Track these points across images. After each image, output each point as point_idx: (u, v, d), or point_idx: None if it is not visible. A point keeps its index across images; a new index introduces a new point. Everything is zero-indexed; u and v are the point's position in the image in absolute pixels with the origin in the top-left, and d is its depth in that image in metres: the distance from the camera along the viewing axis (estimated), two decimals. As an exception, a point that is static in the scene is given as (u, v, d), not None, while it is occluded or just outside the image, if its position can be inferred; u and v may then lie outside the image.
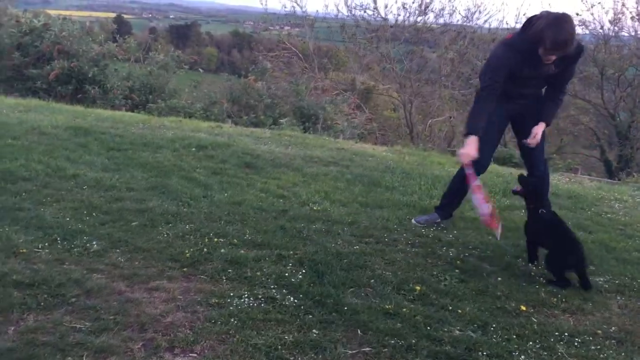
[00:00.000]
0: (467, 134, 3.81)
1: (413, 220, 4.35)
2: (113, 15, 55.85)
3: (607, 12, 16.22)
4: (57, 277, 2.84)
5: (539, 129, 3.89)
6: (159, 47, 16.72)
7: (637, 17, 15.98)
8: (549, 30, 3.40)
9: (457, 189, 4.31)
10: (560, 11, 3.50)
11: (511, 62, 3.67)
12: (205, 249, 3.38)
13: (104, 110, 9.67)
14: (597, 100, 18.18)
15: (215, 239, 3.56)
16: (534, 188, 3.68)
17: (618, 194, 6.00)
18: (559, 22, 3.42)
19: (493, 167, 5.90)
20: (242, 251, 3.42)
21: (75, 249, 3.21)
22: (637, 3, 15.89)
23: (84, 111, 8.28)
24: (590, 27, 16.56)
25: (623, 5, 16.00)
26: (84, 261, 3.08)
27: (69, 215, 3.72)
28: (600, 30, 16.35)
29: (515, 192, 3.81)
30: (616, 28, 15.98)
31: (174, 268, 3.12)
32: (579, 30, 16.00)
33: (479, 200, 3.68)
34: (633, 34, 15.80)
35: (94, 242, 3.31)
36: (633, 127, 17.17)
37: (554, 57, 3.57)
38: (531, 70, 3.70)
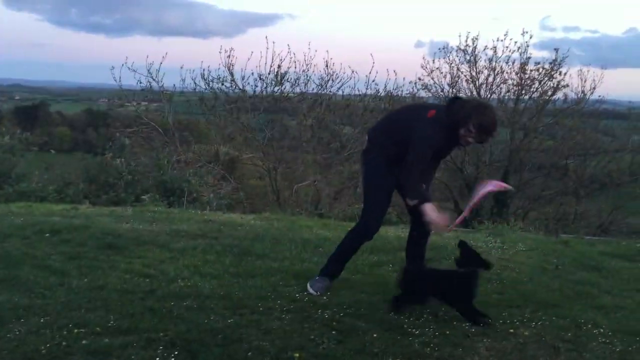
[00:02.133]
0: (422, 203, 3.90)
1: (310, 290, 4.19)
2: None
3: (445, 76, 17.64)
4: None
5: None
6: (3, 130, 15.61)
7: (470, 80, 17.70)
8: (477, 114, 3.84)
9: (346, 253, 4.38)
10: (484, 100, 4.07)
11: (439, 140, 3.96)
12: (64, 342, 3.09)
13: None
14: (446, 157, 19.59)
15: (76, 330, 3.26)
16: None
17: (474, 241, 6.41)
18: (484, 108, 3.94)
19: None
20: (107, 340, 3.16)
21: None
22: (469, 68, 17.61)
23: None
24: (432, 91, 18.03)
25: (458, 69, 17.69)
26: None
27: None
28: (442, 93, 17.84)
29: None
30: (454, 90, 17.52)
31: (27, 368, 2.80)
32: (422, 94, 17.38)
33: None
34: (469, 94, 17.40)
35: None
36: (478, 179, 18.67)
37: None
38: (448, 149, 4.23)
